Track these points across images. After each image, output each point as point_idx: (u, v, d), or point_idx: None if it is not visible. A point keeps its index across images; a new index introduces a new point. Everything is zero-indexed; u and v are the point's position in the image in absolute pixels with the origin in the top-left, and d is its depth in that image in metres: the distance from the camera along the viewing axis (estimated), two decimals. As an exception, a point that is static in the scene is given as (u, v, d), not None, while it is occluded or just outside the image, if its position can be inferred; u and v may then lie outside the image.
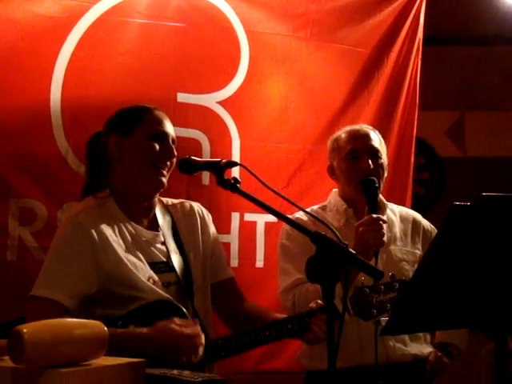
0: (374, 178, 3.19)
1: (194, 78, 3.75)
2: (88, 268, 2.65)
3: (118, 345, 2.18)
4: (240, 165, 2.71)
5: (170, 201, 2.99)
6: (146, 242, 2.81)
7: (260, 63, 3.91)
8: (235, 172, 3.35)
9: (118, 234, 2.74)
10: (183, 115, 3.69)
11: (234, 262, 3.80)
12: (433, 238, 3.30)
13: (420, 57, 4.26)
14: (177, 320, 2.56)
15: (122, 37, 3.59)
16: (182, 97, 3.71)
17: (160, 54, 3.68)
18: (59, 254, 2.70)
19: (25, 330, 1.78)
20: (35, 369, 1.80)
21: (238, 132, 3.84)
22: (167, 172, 2.81)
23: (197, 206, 3.03)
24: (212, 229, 3.03)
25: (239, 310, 3.04)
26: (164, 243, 2.85)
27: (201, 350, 2.54)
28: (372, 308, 2.75)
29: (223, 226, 3.78)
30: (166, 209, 2.95)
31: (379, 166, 3.27)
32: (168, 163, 2.80)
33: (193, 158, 2.76)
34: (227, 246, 3.77)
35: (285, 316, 2.87)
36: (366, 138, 3.32)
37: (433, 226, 3.46)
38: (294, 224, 2.44)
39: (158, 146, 2.78)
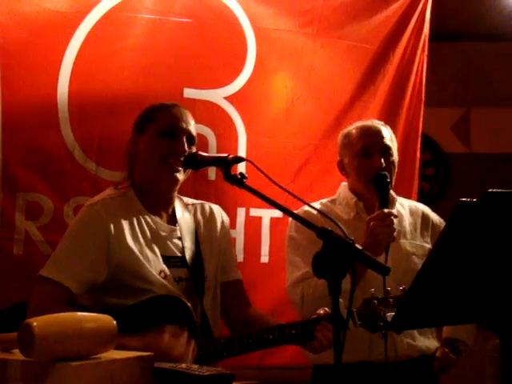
0: (386, 173, 3.19)
1: (200, 74, 3.75)
2: (99, 257, 2.68)
3: None
4: (247, 160, 2.71)
5: (190, 200, 3.02)
6: (163, 235, 2.83)
7: (267, 59, 3.91)
8: (241, 167, 3.37)
9: (136, 225, 2.78)
10: (190, 110, 3.64)
11: (240, 257, 3.80)
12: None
13: (426, 53, 4.26)
14: (167, 333, 2.55)
15: (130, 32, 3.59)
16: (189, 92, 3.71)
17: (167, 50, 3.68)
18: (73, 239, 2.75)
19: (35, 324, 1.79)
20: (45, 362, 1.81)
21: (245, 127, 3.84)
22: (181, 167, 2.81)
23: (217, 208, 3.07)
24: (228, 231, 3.09)
25: (242, 314, 3.02)
26: (180, 238, 2.87)
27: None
28: (379, 321, 2.73)
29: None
30: (186, 207, 2.98)
31: (391, 164, 3.27)
32: (181, 159, 2.79)
33: (200, 153, 2.78)
34: (233, 240, 3.78)
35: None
36: (378, 134, 3.31)
37: (442, 220, 3.45)
38: (300, 219, 2.44)
39: (168, 143, 2.80)
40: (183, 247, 2.86)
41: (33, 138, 3.41)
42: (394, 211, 3.21)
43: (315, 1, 4.00)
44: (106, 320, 1.93)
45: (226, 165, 2.52)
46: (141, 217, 2.80)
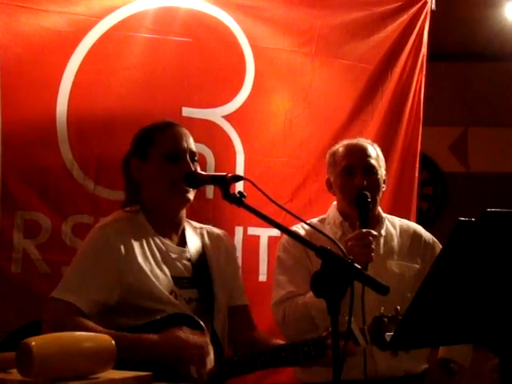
0: (367, 193, 3.19)
1: (199, 93, 3.76)
2: (110, 278, 2.69)
3: (126, 349, 2.25)
4: (245, 179, 2.71)
5: (197, 224, 3.03)
6: (173, 257, 2.83)
7: (265, 78, 3.92)
8: (239, 186, 3.37)
9: (146, 247, 2.78)
10: (188, 129, 3.66)
11: (237, 276, 3.80)
12: (437, 253, 3.34)
13: (424, 72, 4.27)
14: (185, 329, 2.59)
15: (128, 51, 3.60)
16: (187, 111, 3.72)
17: (165, 69, 3.69)
18: (84, 260, 2.75)
19: (33, 343, 1.79)
20: (43, 382, 1.81)
21: (243, 146, 3.85)
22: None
23: (222, 233, 3.10)
24: (235, 257, 3.13)
25: (247, 337, 3.02)
26: (190, 260, 2.87)
27: (208, 361, 2.55)
28: None
29: (227, 239, 3.79)
30: (195, 230, 2.99)
31: (374, 182, 3.27)
32: None
33: (198, 171, 2.79)
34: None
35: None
36: (362, 153, 3.31)
37: (435, 239, 3.46)
38: (299, 238, 2.44)
39: (175, 167, 2.80)
40: (192, 268, 2.86)
41: (31, 156, 3.41)
42: (382, 231, 3.21)
43: (314, 20, 4.02)
44: (105, 339, 1.93)
45: (224, 183, 2.52)
46: (150, 239, 2.81)
